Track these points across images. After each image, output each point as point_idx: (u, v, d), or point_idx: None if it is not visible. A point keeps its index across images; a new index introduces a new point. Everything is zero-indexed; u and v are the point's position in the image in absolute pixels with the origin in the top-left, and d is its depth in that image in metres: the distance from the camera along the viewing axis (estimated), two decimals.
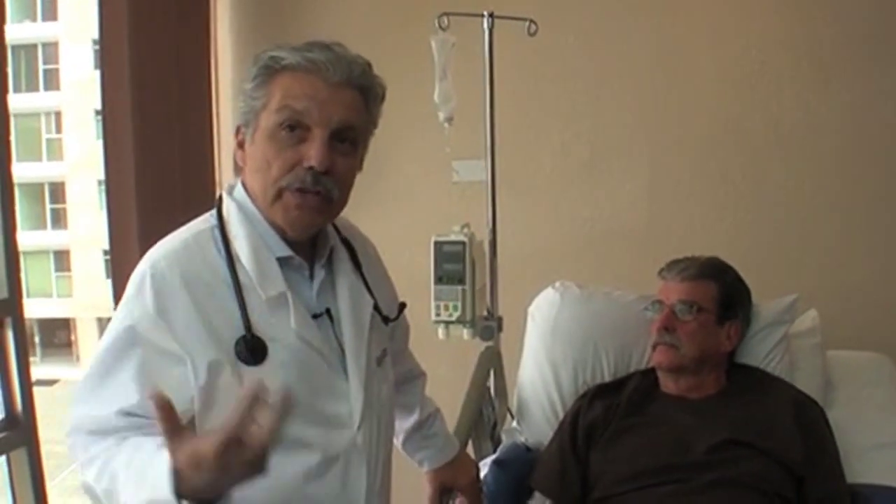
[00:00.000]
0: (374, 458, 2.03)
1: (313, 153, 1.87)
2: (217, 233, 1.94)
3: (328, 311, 2.00)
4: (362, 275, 2.13)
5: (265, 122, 1.90)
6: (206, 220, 1.99)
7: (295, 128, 1.88)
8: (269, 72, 1.91)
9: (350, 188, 1.99)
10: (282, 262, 1.95)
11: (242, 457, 1.53)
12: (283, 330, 1.87)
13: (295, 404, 1.60)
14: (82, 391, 1.86)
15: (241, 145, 1.97)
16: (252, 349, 1.85)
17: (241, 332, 1.85)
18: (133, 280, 1.88)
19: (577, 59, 4.16)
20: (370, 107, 1.98)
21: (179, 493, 1.56)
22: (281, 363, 1.87)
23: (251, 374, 1.82)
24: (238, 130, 1.98)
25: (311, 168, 1.87)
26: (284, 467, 1.82)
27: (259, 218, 1.95)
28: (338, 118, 1.89)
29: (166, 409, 1.54)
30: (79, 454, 1.83)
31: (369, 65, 1.97)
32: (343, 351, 2.01)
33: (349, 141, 1.94)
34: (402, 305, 2.28)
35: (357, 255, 2.15)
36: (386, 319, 2.16)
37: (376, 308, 2.12)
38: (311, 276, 2.02)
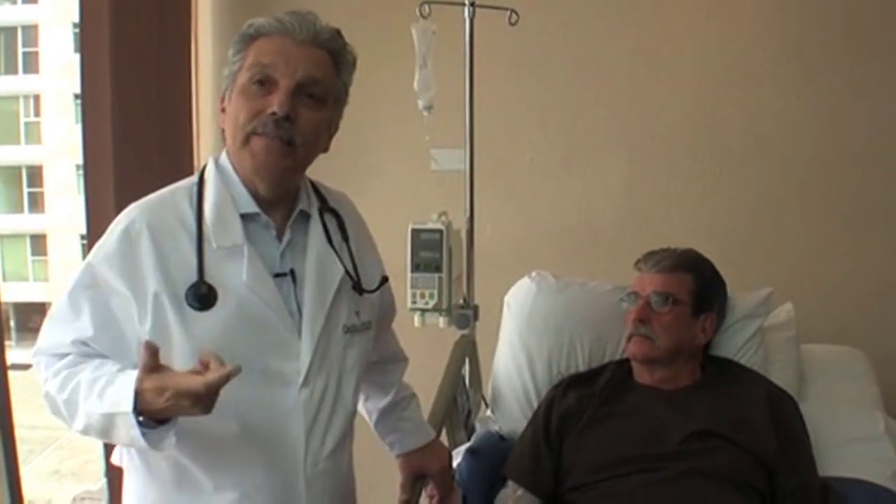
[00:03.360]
0: (319, 420, 2.10)
1: (276, 100, 1.99)
2: (194, 190, 2.07)
3: (292, 272, 2.09)
4: (348, 244, 2.22)
5: (239, 81, 2.03)
6: (189, 179, 2.12)
7: (264, 82, 2.01)
8: (245, 39, 2.07)
9: (316, 142, 2.10)
10: (248, 218, 2.06)
11: (195, 402, 1.77)
12: (234, 281, 2.00)
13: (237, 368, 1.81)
14: (51, 319, 2.03)
15: (224, 111, 2.09)
16: (200, 294, 1.96)
17: (195, 279, 1.97)
18: (109, 227, 2.03)
19: (557, 50, 4.17)
20: (341, 71, 2.11)
21: (138, 410, 1.80)
22: (228, 312, 1.98)
23: (198, 319, 1.96)
24: (223, 99, 2.09)
25: (273, 114, 1.99)
26: (223, 416, 1.88)
27: (234, 178, 2.08)
28: (302, 72, 2.02)
29: (152, 353, 1.78)
30: (42, 371, 2.01)
31: (339, 32, 2.11)
32: (298, 311, 2.09)
33: (315, 96, 2.04)
34: (384, 279, 2.33)
35: (345, 225, 2.23)
36: (360, 289, 2.20)
37: (350, 276, 2.18)
38: (281, 238, 2.11)
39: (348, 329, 2.17)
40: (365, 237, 2.35)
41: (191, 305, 1.96)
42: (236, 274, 2.00)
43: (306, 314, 2.08)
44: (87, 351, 1.99)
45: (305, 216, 2.16)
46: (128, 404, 1.80)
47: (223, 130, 2.10)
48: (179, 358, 1.93)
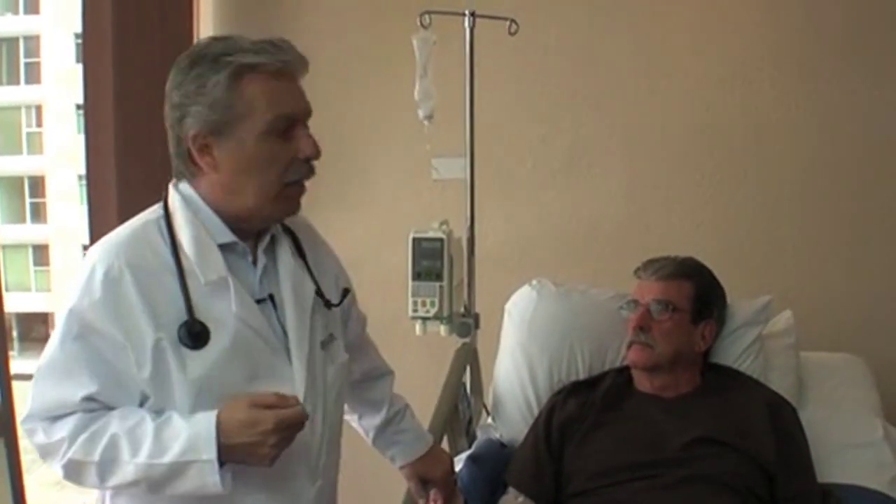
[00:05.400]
0: (317, 437, 2.11)
1: (306, 145, 1.98)
2: (163, 223, 2.00)
3: (271, 296, 2.07)
4: (305, 261, 2.19)
5: (252, 128, 1.95)
6: (154, 211, 2.05)
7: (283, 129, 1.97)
8: (236, 74, 1.94)
9: None
10: (225, 248, 2.01)
11: (280, 440, 1.85)
12: (224, 314, 1.95)
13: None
14: (45, 378, 1.93)
15: (203, 150, 1.98)
16: (194, 333, 1.91)
17: (184, 316, 1.91)
18: (82, 270, 1.95)
19: (557, 59, 4.18)
20: None
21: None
22: (223, 347, 1.93)
23: (194, 357, 1.91)
24: (196, 136, 1.97)
25: (307, 159, 1.99)
26: None
27: (203, 207, 2.01)
28: (308, 108, 2.03)
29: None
30: (42, 438, 1.91)
31: None
32: (286, 335, 2.07)
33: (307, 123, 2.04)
34: (346, 291, 2.32)
35: (300, 242, 2.21)
36: (329, 304, 2.21)
37: (319, 293, 2.17)
38: (255, 263, 2.08)
39: (323, 345, 2.16)
40: (322, 250, 2.32)
41: (185, 345, 1.91)
42: (226, 307, 1.96)
43: (293, 338, 2.07)
44: (90, 407, 1.91)
45: (272, 239, 2.13)
46: (210, 450, 1.82)
47: (184, 166, 2.02)
48: (178, 400, 1.90)
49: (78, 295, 1.91)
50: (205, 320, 1.93)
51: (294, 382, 2.04)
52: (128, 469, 1.85)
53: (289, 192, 2.01)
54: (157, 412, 1.90)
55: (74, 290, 1.93)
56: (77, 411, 1.90)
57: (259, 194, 1.99)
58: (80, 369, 1.89)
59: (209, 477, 1.83)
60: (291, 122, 1.98)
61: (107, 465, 1.86)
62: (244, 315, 1.98)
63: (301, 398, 2.01)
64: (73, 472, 1.90)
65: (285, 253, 2.13)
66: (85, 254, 2.05)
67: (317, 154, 1.99)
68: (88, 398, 1.89)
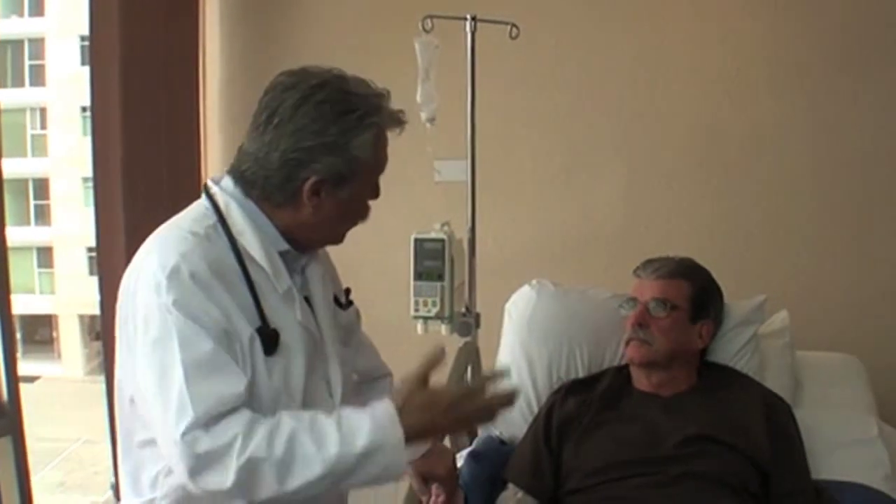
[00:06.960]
0: None
1: (379, 194, 2.15)
2: (220, 228, 2.01)
3: (306, 298, 2.13)
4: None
5: (365, 183, 2.08)
6: (205, 214, 2.04)
7: None
8: (379, 139, 2.05)
9: None
10: (280, 255, 2.06)
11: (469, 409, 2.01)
12: (289, 321, 2.00)
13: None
14: (195, 378, 1.84)
15: (315, 193, 2.01)
16: (269, 340, 1.95)
17: (255, 323, 1.95)
18: (153, 271, 1.90)
19: (557, 63, 4.22)
20: None
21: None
22: (291, 351, 1.99)
23: (272, 364, 1.96)
24: (317, 182, 2.00)
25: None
26: None
27: (258, 213, 2.04)
28: None
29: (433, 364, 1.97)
30: (205, 443, 1.81)
31: None
32: (321, 334, 2.13)
33: None
34: (347, 290, 2.39)
35: None
36: (341, 304, 2.29)
37: (336, 296, 2.27)
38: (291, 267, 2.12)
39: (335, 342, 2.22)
40: (322, 251, 2.33)
41: (263, 351, 1.95)
42: (289, 314, 2.02)
43: (326, 337, 2.14)
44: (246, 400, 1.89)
45: None
46: (396, 431, 1.86)
47: (291, 197, 2.02)
48: (263, 403, 1.92)
49: (174, 287, 1.87)
50: (274, 326, 1.97)
51: (332, 379, 2.13)
52: (314, 463, 1.83)
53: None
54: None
55: (160, 287, 1.88)
56: (241, 406, 1.85)
57: (336, 236, 2.11)
58: (224, 359, 1.87)
59: (398, 457, 1.87)
60: None
61: (290, 460, 1.83)
62: (305, 321, 2.04)
63: (339, 393, 2.11)
64: (250, 474, 1.82)
65: (315, 257, 2.18)
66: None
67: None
68: (247, 388, 1.87)
